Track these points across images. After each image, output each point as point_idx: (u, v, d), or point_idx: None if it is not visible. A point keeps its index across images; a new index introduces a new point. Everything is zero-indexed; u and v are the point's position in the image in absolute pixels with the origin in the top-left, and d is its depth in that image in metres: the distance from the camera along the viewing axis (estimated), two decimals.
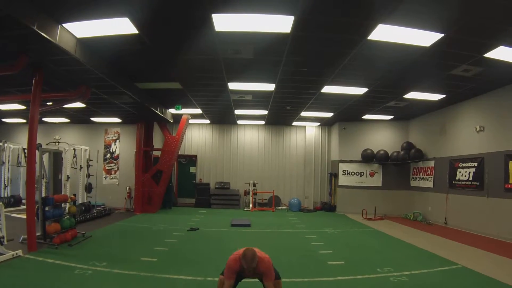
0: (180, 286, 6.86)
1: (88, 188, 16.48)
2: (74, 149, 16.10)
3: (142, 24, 7.89)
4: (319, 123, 21.42)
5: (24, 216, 9.73)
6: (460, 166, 14.55)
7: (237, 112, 18.03)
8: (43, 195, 10.42)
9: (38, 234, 9.40)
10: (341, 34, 8.35)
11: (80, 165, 16.31)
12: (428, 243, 11.34)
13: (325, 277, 7.59)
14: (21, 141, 18.24)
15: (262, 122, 21.52)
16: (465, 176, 14.15)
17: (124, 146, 20.80)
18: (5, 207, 15.73)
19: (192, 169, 22.37)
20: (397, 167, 19.17)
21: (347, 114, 18.02)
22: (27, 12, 6.76)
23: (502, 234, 11.99)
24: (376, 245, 11.25)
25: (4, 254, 8.01)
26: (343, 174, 19.95)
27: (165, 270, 7.72)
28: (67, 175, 14.71)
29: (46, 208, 9.85)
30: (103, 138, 21.09)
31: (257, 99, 15.07)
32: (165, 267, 7.94)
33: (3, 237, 8.30)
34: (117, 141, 20.94)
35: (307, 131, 22.06)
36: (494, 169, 12.60)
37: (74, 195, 12.82)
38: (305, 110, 17.23)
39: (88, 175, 16.56)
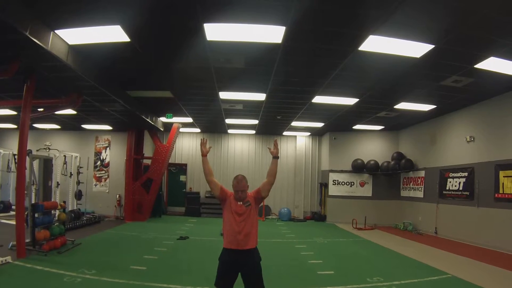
0: None
1: (78, 195, 16.39)
2: (65, 155, 16.04)
3: (134, 32, 7.91)
4: (309, 133, 21.49)
5: (13, 222, 9.68)
6: (450, 176, 14.63)
7: (228, 121, 18.03)
8: (33, 201, 10.36)
9: (27, 240, 9.31)
10: (332, 44, 8.41)
11: (71, 172, 16.23)
12: (418, 252, 11.38)
13: (314, 286, 7.59)
14: (12, 146, 18.10)
15: (253, 132, 21.54)
16: (455, 186, 14.23)
17: (115, 154, 20.71)
18: None
19: (182, 178, 22.31)
20: (387, 177, 19.25)
21: (337, 124, 18.09)
22: (20, 17, 6.74)
23: (492, 244, 12.05)
24: (366, 254, 11.27)
25: None
26: (333, 184, 19.98)
27: (154, 278, 7.67)
28: (57, 182, 14.65)
29: (36, 215, 9.77)
30: (93, 145, 21.00)
31: (248, 109, 15.09)
32: (155, 276, 7.90)
33: None
34: (108, 148, 20.88)
35: (298, 141, 22.15)
36: (484, 179, 12.68)
37: (64, 202, 12.75)
38: (295, 120, 17.28)
39: (78, 182, 16.47)
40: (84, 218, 15.58)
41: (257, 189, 5.30)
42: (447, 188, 14.79)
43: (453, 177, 14.46)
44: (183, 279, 7.75)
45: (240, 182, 5.16)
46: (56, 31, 7.82)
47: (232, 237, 5.07)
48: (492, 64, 9.04)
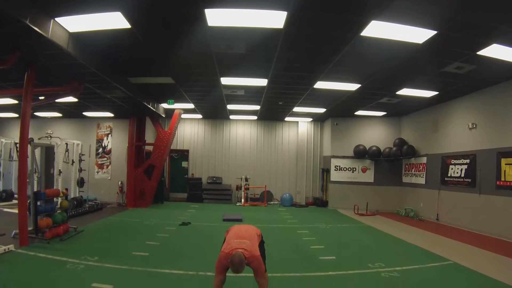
0: (172, 280, 6.87)
1: (80, 182, 16.40)
2: (66, 143, 16.02)
3: (135, 19, 7.86)
4: (311, 119, 21.43)
5: (16, 211, 9.69)
6: (452, 163, 14.62)
7: (230, 107, 18.01)
8: (35, 189, 10.36)
9: (30, 228, 9.36)
10: (334, 30, 8.34)
11: (72, 160, 16.22)
12: (419, 239, 11.41)
13: (316, 272, 7.61)
14: (13, 135, 18.13)
15: (255, 117, 21.49)
16: (457, 173, 14.23)
17: (117, 141, 20.73)
18: None
19: (184, 164, 22.35)
20: (389, 163, 19.24)
21: (339, 110, 18.06)
22: (19, 6, 6.71)
23: (493, 231, 12.08)
24: (368, 240, 11.31)
25: None
26: (335, 170, 19.99)
27: (157, 264, 7.71)
28: (59, 170, 14.65)
29: (38, 203, 9.78)
30: (95, 132, 21.01)
31: (250, 94, 15.05)
32: (157, 262, 7.93)
33: None
34: (109, 135, 20.88)
35: (300, 127, 22.10)
36: (486, 166, 12.66)
37: (66, 189, 12.76)
38: (297, 106, 17.23)
39: (80, 170, 16.48)
40: (86, 205, 15.63)
41: (258, 273, 5.16)
42: (449, 175, 14.79)
43: (455, 164, 14.45)
44: (185, 264, 7.78)
45: (238, 268, 4.89)
46: (56, 18, 7.78)
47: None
48: (495, 51, 8.97)
